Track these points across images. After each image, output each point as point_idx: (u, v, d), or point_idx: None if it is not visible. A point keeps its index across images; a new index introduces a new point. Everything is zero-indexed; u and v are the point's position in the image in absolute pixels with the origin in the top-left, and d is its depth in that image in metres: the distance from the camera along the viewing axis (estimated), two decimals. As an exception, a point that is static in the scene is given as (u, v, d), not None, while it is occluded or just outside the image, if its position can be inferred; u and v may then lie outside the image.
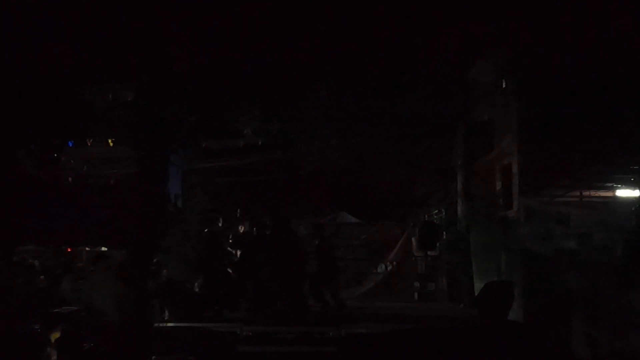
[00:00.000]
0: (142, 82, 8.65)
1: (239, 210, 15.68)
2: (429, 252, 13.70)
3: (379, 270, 14.99)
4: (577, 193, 11.34)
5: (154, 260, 10.61)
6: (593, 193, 11.74)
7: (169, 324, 8.95)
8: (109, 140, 12.54)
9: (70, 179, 13.71)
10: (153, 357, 7.70)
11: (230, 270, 11.02)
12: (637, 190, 11.51)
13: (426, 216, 16.55)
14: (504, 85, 13.33)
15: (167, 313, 9.63)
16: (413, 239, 14.15)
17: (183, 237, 14.50)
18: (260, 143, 14.24)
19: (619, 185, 11.80)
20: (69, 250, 14.66)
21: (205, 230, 11.65)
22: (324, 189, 19.24)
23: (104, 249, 13.23)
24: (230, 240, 11.76)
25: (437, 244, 13.71)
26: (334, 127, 14.13)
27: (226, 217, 13.41)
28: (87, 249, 15.08)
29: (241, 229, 12.19)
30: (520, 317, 9.17)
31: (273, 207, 12.44)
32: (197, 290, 13.36)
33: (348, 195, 19.39)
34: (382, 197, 18.92)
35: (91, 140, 12.90)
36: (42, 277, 11.64)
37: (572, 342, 8.21)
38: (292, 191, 18.86)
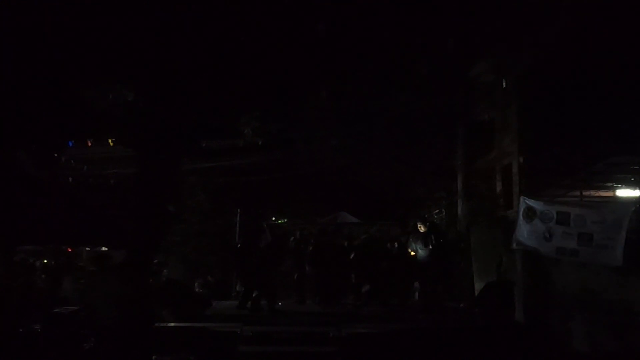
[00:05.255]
0: (142, 82, 8.65)
1: (239, 210, 15.67)
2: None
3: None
4: (577, 193, 11.33)
5: (154, 260, 10.62)
6: (593, 193, 11.73)
7: (169, 324, 8.95)
8: (109, 140, 12.53)
9: (70, 179, 13.71)
10: (153, 357, 7.70)
11: None
12: (637, 190, 11.51)
13: (426, 216, 16.53)
14: (504, 85, 13.34)
15: (167, 313, 9.63)
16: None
17: (183, 237, 14.56)
18: (260, 143, 14.22)
19: (619, 185, 11.80)
20: (69, 250, 14.66)
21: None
22: (324, 189, 19.24)
23: (104, 249, 13.24)
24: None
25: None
26: (334, 127, 14.13)
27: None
28: (87, 249, 15.10)
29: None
30: (520, 317, 9.16)
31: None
32: (198, 290, 13.41)
33: (348, 195, 19.38)
34: (382, 197, 18.92)
35: (91, 140, 12.90)
36: (42, 277, 11.65)
37: (572, 342, 8.20)
38: (292, 191, 18.86)
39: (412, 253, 11.13)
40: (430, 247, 10.82)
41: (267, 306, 10.75)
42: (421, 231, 11.10)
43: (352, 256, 11.93)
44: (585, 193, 11.36)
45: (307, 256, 12.20)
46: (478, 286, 11.22)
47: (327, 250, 12.09)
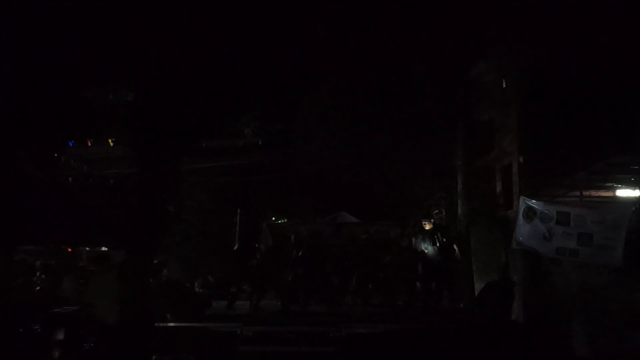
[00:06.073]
0: (143, 83, 8.67)
1: (239, 210, 15.69)
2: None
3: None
4: (577, 193, 11.34)
5: (154, 260, 10.63)
6: (593, 193, 11.74)
7: (169, 324, 8.95)
8: (109, 140, 12.54)
9: (70, 179, 13.73)
10: (153, 357, 7.70)
11: None
12: (637, 190, 11.51)
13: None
14: (504, 85, 13.33)
15: (167, 313, 9.63)
16: (413, 239, 14.14)
17: (183, 237, 14.56)
18: (260, 143, 14.23)
19: (619, 185, 11.80)
20: (69, 250, 14.69)
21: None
22: (324, 189, 19.23)
23: (104, 249, 13.26)
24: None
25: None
26: (334, 127, 14.13)
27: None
28: (87, 249, 15.13)
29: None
30: (520, 317, 9.16)
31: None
32: (198, 290, 13.41)
33: (348, 195, 19.37)
34: (382, 197, 18.91)
35: (91, 140, 12.91)
36: (42, 277, 11.66)
37: (572, 342, 8.20)
38: (292, 191, 18.85)
39: (426, 251, 11.17)
40: (438, 244, 10.91)
41: (255, 304, 10.80)
42: (426, 228, 11.20)
43: (351, 257, 11.92)
44: (585, 193, 11.37)
45: (301, 259, 12.15)
46: (478, 286, 11.21)
47: (322, 252, 12.03)
